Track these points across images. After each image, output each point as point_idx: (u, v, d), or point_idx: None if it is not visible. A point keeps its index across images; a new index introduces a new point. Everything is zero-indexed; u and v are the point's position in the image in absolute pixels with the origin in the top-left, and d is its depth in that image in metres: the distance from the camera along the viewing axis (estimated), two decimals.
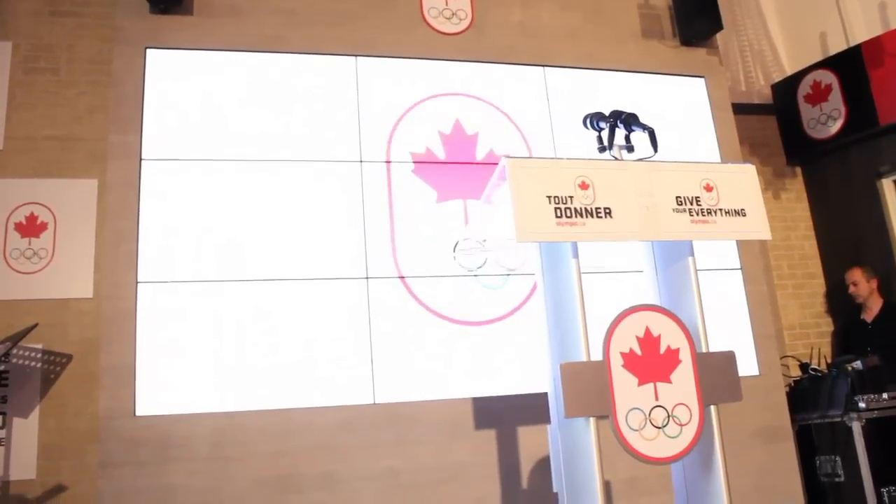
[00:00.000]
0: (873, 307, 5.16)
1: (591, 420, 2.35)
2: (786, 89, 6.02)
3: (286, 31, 4.39)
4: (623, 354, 2.44)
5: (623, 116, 2.75)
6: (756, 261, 4.87)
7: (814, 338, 5.57)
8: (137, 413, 3.63)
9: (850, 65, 5.55)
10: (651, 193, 2.56)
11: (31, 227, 4.20)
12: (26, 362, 4.00)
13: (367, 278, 4.11)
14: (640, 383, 2.42)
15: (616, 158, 2.71)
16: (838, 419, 4.46)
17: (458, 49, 4.67)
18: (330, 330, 3.99)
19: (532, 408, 3.78)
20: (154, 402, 3.67)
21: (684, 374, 2.48)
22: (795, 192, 5.98)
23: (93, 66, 4.51)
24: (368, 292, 4.09)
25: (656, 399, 2.42)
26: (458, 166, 4.45)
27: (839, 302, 5.60)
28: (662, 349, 2.49)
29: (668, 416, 2.42)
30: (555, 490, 2.60)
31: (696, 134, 4.95)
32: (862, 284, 5.15)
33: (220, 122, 4.16)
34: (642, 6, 5.16)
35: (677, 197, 2.59)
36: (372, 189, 4.27)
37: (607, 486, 3.04)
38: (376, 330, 4.04)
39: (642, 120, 2.76)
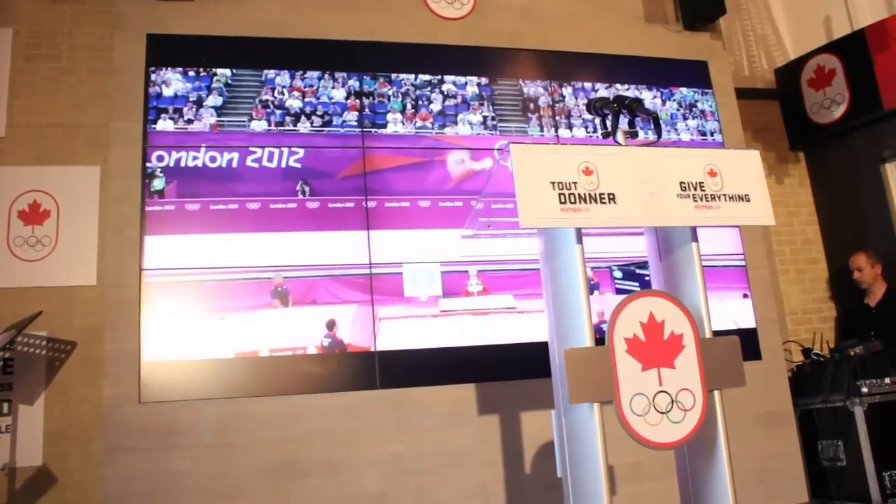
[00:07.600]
0: (877, 292, 5.15)
1: (595, 405, 2.36)
2: (789, 74, 5.98)
3: (288, 16, 4.37)
4: (627, 340, 2.44)
5: (627, 102, 2.73)
6: (758, 246, 4.87)
7: (816, 323, 5.56)
8: (142, 400, 3.65)
9: (853, 49, 5.50)
10: (655, 179, 2.55)
11: (34, 215, 4.19)
12: (31, 350, 4.01)
13: (370, 266, 4.11)
14: (644, 369, 2.43)
15: (620, 144, 2.71)
16: (840, 404, 4.47)
17: (461, 34, 4.64)
18: (333, 317, 4.00)
19: (535, 393, 3.78)
20: (158, 388, 3.69)
21: (688, 360, 2.49)
22: (798, 177, 5.96)
23: (94, 53, 4.48)
24: (371, 282, 4.10)
25: (660, 384, 2.43)
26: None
27: (842, 287, 5.59)
28: (666, 335, 2.49)
29: (672, 402, 2.42)
30: (558, 475, 2.61)
31: (700, 118, 4.94)
32: (867, 270, 5.13)
33: (221, 109, 4.15)
34: None
35: (681, 182, 2.59)
36: (374, 177, 4.27)
37: (611, 471, 3.03)
38: (381, 315, 4.06)
39: (646, 105, 2.75)
